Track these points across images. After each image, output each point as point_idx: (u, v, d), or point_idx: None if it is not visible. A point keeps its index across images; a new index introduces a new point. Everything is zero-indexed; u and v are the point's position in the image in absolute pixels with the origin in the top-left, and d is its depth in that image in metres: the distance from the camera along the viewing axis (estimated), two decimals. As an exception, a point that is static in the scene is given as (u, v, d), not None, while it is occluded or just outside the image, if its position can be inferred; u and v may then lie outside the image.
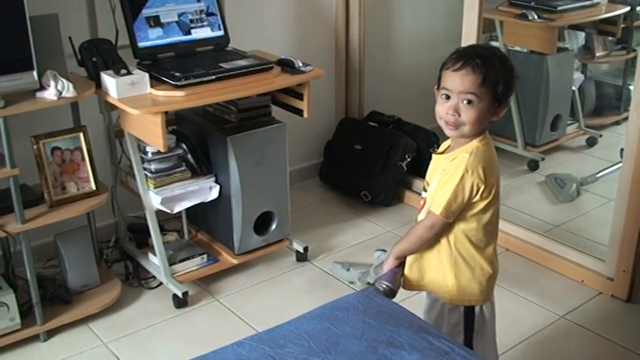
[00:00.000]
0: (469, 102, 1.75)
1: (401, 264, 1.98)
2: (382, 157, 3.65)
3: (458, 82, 1.77)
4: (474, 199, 1.81)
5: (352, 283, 3.02)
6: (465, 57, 1.78)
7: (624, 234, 2.81)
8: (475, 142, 1.81)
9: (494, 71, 1.76)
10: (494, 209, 1.86)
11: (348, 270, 3.05)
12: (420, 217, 1.93)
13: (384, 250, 3.09)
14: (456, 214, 1.82)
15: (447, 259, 1.89)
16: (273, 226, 3.10)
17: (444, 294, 1.93)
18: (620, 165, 3.36)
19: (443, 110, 1.81)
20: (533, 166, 4.09)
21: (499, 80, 1.76)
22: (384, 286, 1.90)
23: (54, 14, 2.54)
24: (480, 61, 1.76)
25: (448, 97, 1.80)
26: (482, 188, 1.79)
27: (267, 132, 2.97)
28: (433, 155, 1.96)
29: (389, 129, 3.78)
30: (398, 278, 1.95)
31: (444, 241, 1.88)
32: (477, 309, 1.94)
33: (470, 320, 1.94)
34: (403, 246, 1.94)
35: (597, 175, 3.90)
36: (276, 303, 2.92)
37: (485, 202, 1.82)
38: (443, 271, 1.90)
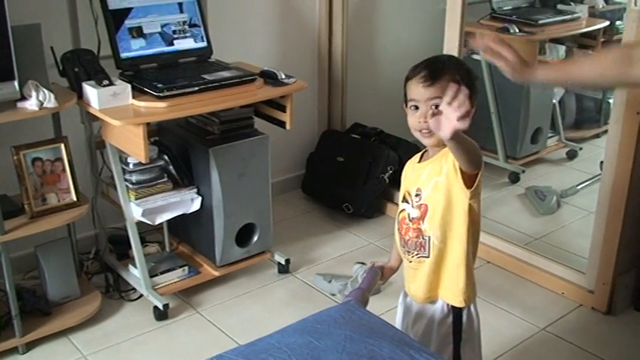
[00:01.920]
0: (437, 106, 1.75)
1: (382, 271, 2.02)
2: (364, 170, 3.65)
3: (422, 90, 1.80)
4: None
5: (334, 295, 3.02)
6: (424, 65, 1.84)
7: (604, 247, 2.83)
8: None
9: (454, 73, 1.79)
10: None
11: (329, 282, 3.05)
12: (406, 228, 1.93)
13: (363, 263, 3.09)
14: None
15: (463, 256, 1.86)
16: (255, 238, 3.10)
17: (456, 297, 1.90)
18: (599, 177, 3.41)
19: (415, 121, 1.83)
20: (514, 178, 4.12)
21: (460, 81, 1.76)
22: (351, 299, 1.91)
23: (36, 24, 2.53)
24: (439, 65, 1.81)
25: (417, 108, 1.82)
26: None
27: (250, 144, 2.96)
28: (412, 165, 1.96)
29: (371, 141, 3.79)
30: (367, 296, 1.95)
31: (463, 236, 1.84)
32: (464, 315, 1.94)
33: (458, 330, 1.94)
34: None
35: (577, 188, 3.93)
36: (258, 315, 2.91)
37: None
38: (457, 271, 1.88)
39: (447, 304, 1.92)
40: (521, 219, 3.69)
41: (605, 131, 3.23)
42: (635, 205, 2.77)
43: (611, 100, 4.17)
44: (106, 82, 2.59)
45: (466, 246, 1.86)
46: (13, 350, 2.63)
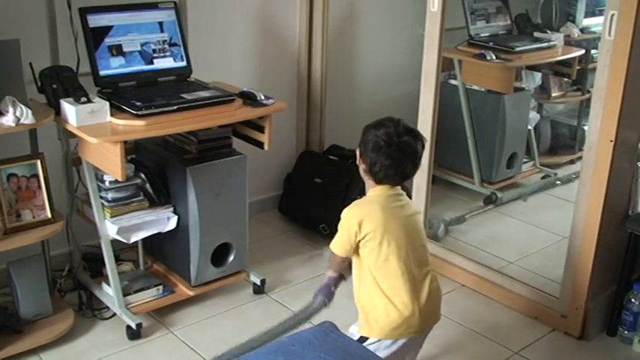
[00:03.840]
0: None
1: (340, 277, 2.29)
2: (341, 191, 3.66)
3: None
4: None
5: None
6: None
7: (577, 272, 2.85)
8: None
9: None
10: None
11: None
12: None
13: None
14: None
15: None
16: (231, 258, 3.09)
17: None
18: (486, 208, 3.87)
19: None
20: (489, 202, 4.15)
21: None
22: (320, 298, 2.21)
23: (15, 40, 2.53)
24: None
25: None
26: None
27: (228, 163, 2.97)
28: None
29: (349, 163, 3.79)
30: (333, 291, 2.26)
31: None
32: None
33: None
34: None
35: (465, 217, 3.94)
36: (232, 336, 2.89)
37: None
38: None
39: None
40: (495, 242, 3.72)
41: (580, 157, 3.27)
42: (609, 231, 2.81)
43: (585, 127, 4.23)
44: (84, 99, 2.59)
45: None
46: (-17, 368, 2.60)
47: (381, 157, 2.12)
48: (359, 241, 2.14)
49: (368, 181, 2.22)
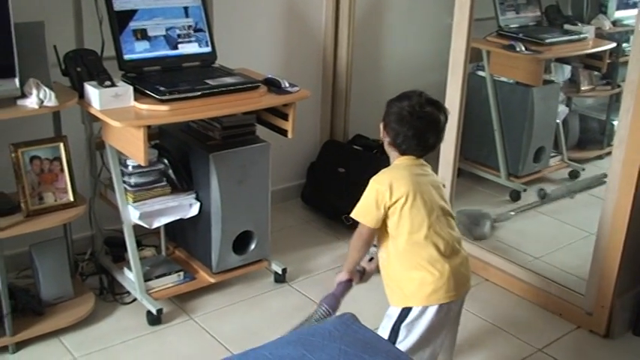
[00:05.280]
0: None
1: (351, 280, 2.26)
2: (365, 182, 3.62)
3: None
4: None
5: None
6: None
7: (604, 269, 2.80)
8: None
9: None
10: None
11: None
12: None
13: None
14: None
15: None
16: (253, 246, 3.07)
17: None
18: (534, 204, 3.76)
19: None
20: (515, 196, 4.09)
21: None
22: (324, 308, 2.13)
23: (40, 22, 2.52)
24: None
25: None
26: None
27: (251, 151, 2.94)
28: None
29: (373, 153, 3.77)
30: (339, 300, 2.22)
31: None
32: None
33: None
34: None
35: (511, 213, 3.88)
36: (252, 324, 2.88)
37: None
38: None
39: None
40: (520, 237, 3.67)
41: (608, 153, 3.21)
42: (637, 227, 2.75)
43: (615, 122, 4.16)
44: (108, 82, 2.58)
45: None
46: (4, 349, 2.60)
47: (404, 127, 2.15)
48: (389, 208, 2.12)
49: (392, 154, 2.24)
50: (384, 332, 2.17)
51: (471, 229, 3.63)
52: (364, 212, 2.17)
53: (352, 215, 2.20)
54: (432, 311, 2.12)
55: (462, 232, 2.28)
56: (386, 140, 2.23)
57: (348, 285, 2.27)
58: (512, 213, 3.89)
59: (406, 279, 2.15)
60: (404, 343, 2.14)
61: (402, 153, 2.20)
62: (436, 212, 2.15)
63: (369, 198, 2.16)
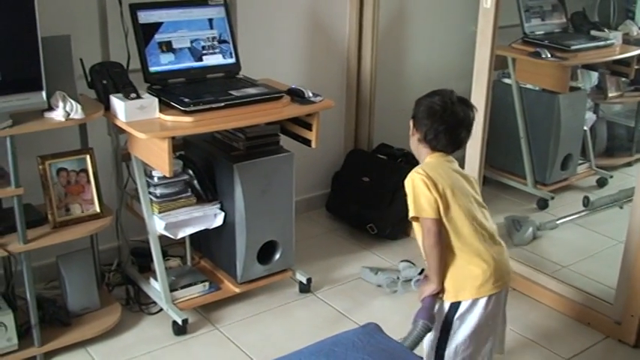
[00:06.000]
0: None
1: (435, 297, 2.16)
2: (390, 191, 3.62)
3: None
4: None
5: (380, 286, 3.18)
6: None
7: (633, 278, 2.76)
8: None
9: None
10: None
11: (376, 274, 3.21)
12: None
13: (408, 261, 3.23)
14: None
15: None
16: (277, 256, 3.08)
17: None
18: (583, 213, 3.68)
19: None
20: (543, 204, 4.06)
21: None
22: (421, 322, 2.05)
23: (66, 35, 2.55)
24: None
25: None
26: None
27: (275, 161, 2.95)
28: None
29: (398, 162, 3.75)
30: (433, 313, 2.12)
31: None
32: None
33: None
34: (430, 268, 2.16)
35: (557, 222, 3.84)
36: (277, 334, 2.88)
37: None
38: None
39: None
40: (548, 246, 3.63)
41: (637, 160, 3.17)
42: (666, 236, 2.71)
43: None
44: (133, 95, 2.60)
45: None
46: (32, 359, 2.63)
47: (435, 122, 2.14)
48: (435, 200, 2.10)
49: (422, 151, 2.22)
50: (436, 327, 2.15)
51: (512, 235, 3.63)
52: (422, 207, 2.11)
53: (411, 215, 2.15)
54: (482, 303, 2.12)
55: (503, 238, 2.24)
56: (415, 137, 2.22)
57: (435, 298, 2.17)
58: (559, 222, 3.85)
59: (453, 271, 2.13)
60: (458, 334, 2.14)
61: (433, 149, 2.19)
62: (475, 204, 2.16)
63: (416, 191, 2.11)
